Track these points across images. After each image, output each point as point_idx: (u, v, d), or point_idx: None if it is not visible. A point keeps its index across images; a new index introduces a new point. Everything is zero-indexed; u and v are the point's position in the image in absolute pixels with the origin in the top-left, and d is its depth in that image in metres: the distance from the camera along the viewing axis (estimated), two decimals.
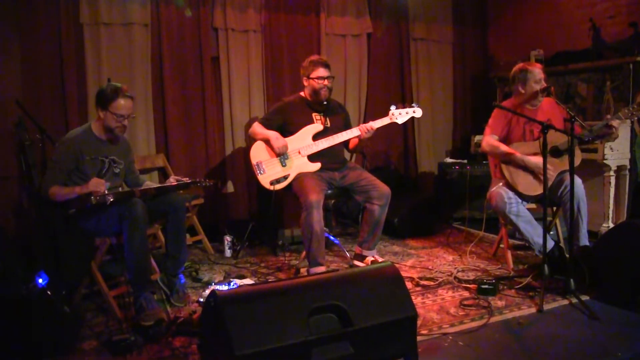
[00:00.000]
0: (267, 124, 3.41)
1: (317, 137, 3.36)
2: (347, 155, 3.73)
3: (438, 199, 4.73)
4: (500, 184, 3.15)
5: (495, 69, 5.14)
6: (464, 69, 5.31)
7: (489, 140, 3.21)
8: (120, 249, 2.65)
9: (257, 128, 3.41)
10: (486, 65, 5.37)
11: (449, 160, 4.82)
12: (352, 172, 3.41)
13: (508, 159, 3.11)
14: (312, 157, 3.34)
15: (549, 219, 3.13)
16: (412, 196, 4.58)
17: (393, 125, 3.42)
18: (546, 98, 3.20)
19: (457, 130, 5.32)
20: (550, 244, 2.99)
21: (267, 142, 3.34)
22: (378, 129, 3.32)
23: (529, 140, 3.18)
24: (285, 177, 3.29)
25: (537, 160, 3.00)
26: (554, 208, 3.33)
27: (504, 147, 3.14)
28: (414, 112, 3.35)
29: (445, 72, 5.23)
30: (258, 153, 3.36)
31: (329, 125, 3.44)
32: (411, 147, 5.09)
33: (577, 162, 3.00)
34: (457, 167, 4.59)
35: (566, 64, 4.21)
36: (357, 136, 3.34)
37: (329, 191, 3.34)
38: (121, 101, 2.69)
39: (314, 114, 3.45)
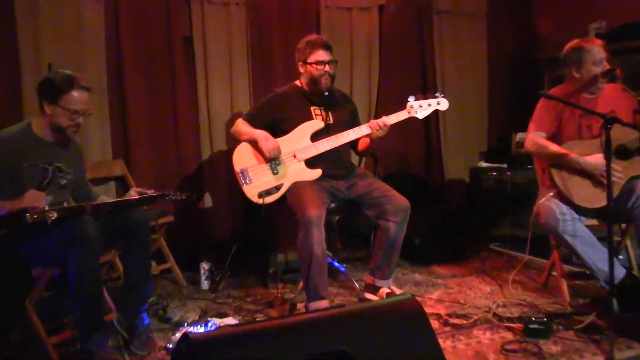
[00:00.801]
0: (254, 120, 3.43)
1: (316, 136, 3.36)
2: (355, 159, 3.72)
3: (471, 214, 4.75)
4: (551, 194, 3.13)
5: (543, 48, 5.16)
6: (501, 48, 5.34)
7: (535, 138, 3.20)
8: (64, 282, 2.62)
9: (242, 126, 3.42)
10: (531, 44, 5.38)
11: (483, 164, 4.85)
12: (361, 180, 3.41)
13: (560, 162, 3.09)
14: (310, 162, 3.34)
15: (616, 239, 3.11)
16: (437, 210, 4.59)
17: (412, 120, 3.41)
18: (609, 84, 3.19)
19: (494, 126, 5.36)
20: (620, 271, 2.96)
21: (254, 143, 3.34)
22: (393, 125, 3.31)
23: (586, 137, 3.16)
24: (277, 188, 3.29)
25: (598, 160, 2.97)
26: (623, 225, 3.31)
27: (554, 147, 3.12)
28: (438, 103, 3.35)
29: (478, 53, 5.25)
30: (243, 158, 3.36)
31: (331, 121, 3.45)
32: (435, 148, 5.12)
33: None
34: (494, 173, 4.61)
35: (636, 39, 4.18)
36: (367, 135, 3.35)
37: (333, 205, 3.34)
38: (75, 94, 2.69)
39: (312, 108, 3.46)
